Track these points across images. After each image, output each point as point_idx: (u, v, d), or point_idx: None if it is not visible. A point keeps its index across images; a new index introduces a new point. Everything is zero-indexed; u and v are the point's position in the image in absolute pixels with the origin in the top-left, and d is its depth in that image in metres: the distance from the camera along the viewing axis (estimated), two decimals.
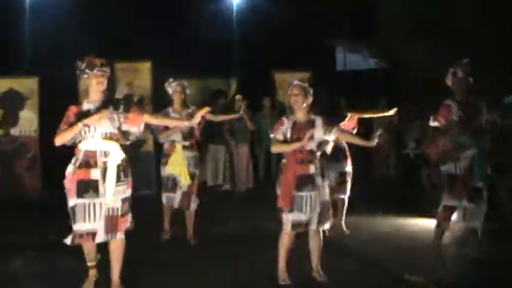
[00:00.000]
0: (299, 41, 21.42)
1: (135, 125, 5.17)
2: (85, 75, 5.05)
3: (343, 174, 7.23)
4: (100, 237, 5.01)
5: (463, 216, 6.03)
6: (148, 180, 10.32)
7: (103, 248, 5.25)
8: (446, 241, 6.28)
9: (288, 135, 5.41)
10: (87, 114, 4.99)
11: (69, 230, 5.08)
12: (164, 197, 7.11)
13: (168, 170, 7.01)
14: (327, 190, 5.51)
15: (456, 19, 12.38)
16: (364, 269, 6.08)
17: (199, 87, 12.05)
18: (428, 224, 7.84)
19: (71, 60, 11.11)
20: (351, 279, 5.71)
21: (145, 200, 8.49)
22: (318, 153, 5.45)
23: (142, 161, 10.00)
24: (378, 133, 5.41)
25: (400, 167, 12.18)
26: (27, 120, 10.92)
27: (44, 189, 10.79)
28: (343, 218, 7.50)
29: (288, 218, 5.34)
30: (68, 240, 5.06)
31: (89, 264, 5.27)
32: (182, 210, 7.19)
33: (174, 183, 7.00)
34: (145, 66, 11.20)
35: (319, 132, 5.41)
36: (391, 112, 7.35)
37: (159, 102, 9.60)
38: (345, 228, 7.49)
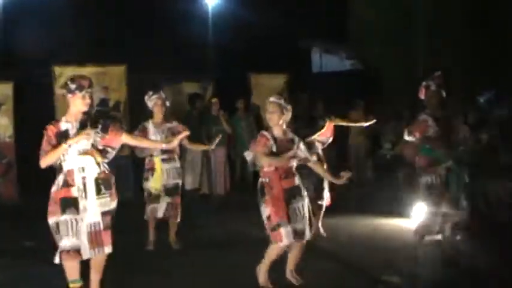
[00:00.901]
0: (275, 43, 21.48)
1: (112, 145, 5.10)
2: (70, 95, 4.99)
3: (320, 181, 7.26)
4: (86, 254, 4.96)
5: (442, 221, 6.07)
6: (127, 183, 10.23)
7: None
8: (424, 243, 6.33)
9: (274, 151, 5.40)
10: (65, 134, 4.95)
11: (49, 241, 5.03)
12: (148, 209, 7.07)
13: (151, 185, 7.02)
14: (307, 198, 5.54)
15: (430, 20, 12.50)
16: (341, 270, 6.12)
17: (176, 90, 12.02)
18: (405, 224, 7.93)
19: (46, 65, 11.05)
20: (329, 280, 5.73)
21: (124, 204, 8.43)
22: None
23: (121, 168, 9.91)
24: (346, 174, 5.48)
25: (376, 168, 12.26)
26: (2, 126, 10.76)
27: (19, 196, 10.68)
28: (320, 221, 7.53)
29: (288, 230, 5.29)
30: (56, 259, 4.98)
31: (71, 285, 5.08)
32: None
33: (157, 195, 7.00)
34: (121, 70, 11.14)
35: (301, 154, 5.46)
36: (368, 123, 7.41)
37: (135, 106, 9.59)
38: (322, 231, 7.52)
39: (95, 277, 5.10)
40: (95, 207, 4.95)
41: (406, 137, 6.16)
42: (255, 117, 11.82)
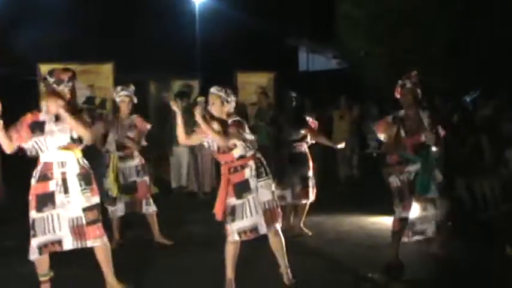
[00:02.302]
0: (262, 41, 21.50)
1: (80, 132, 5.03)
2: (46, 88, 5.02)
3: (305, 179, 7.28)
4: (68, 245, 4.99)
5: (420, 222, 6.06)
6: None
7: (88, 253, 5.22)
8: (406, 241, 6.35)
9: (215, 148, 5.39)
10: (41, 125, 4.96)
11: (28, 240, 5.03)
12: (109, 210, 7.04)
13: (107, 183, 6.96)
14: (267, 190, 5.32)
15: (417, 20, 12.56)
16: (327, 268, 6.13)
17: (162, 88, 11.99)
18: (391, 222, 7.96)
19: (31, 61, 10.97)
20: (314, 278, 5.75)
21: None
22: (251, 153, 5.35)
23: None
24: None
25: (362, 166, 12.29)
26: None
27: (1, 194, 10.58)
28: (303, 219, 7.54)
29: (233, 228, 5.27)
30: (31, 256, 5.00)
31: (41, 279, 5.16)
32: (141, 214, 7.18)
33: (113, 197, 6.97)
34: (107, 68, 11.09)
35: (249, 137, 5.35)
36: (340, 146, 7.43)
37: None
38: (305, 230, 7.53)
39: (106, 271, 5.19)
40: (76, 203, 4.95)
41: (379, 137, 6.18)
42: (241, 115, 11.79)
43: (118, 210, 7.00)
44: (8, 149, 4.96)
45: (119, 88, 7.13)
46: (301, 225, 7.54)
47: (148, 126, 7.12)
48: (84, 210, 5.00)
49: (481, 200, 8.46)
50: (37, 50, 15.05)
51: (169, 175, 10.96)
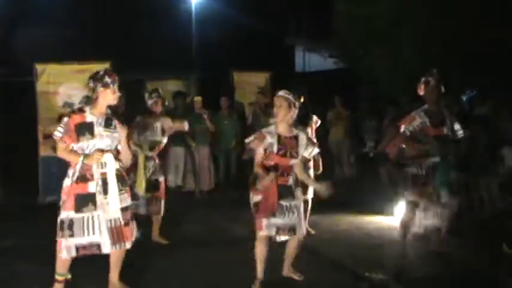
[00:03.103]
0: (258, 41, 21.50)
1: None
2: (102, 88, 4.98)
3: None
4: (107, 248, 5.02)
5: (424, 216, 6.10)
6: None
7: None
8: (408, 238, 6.37)
9: (275, 149, 5.34)
10: (90, 126, 4.93)
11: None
12: None
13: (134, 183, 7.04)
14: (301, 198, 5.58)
15: (414, 20, 12.55)
16: (324, 268, 6.16)
17: (159, 88, 11.97)
18: (388, 221, 7.98)
19: (28, 61, 10.92)
20: (311, 277, 5.75)
21: None
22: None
23: None
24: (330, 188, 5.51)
25: (359, 165, 12.31)
26: None
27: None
28: (307, 218, 7.54)
29: (271, 222, 5.34)
30: (65, 255, 4.96)
31: (57, 277, 5.12)
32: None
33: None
34: (104, 67, 11.02)
35: (302, 150, 5.43)
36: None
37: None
38: (310, 229, 7.54)
39: (114, 272, 5.21)
40: (116, 204, 4.96)
41: (402, 129, 6.20)
42: (238, 115, 11.80)
43: (140, 206, 7.01)
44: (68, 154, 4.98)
45: (150, 90, 7.43)
46: (306, 223, 7.53)
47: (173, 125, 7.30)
48: (122, 210, 5.03)
49: (478, 198, 8.48)
50: (33, 50, 15.03)
51: (166, 174, 10.95)
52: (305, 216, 7.47)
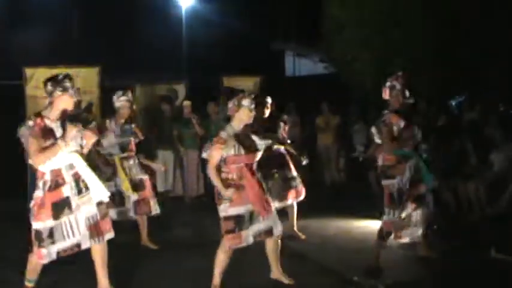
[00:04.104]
0: (247, 45, 21.52)
1: (90, 140, 5.12)
2: (59, 93, 4.90)
3: (287, 180, 7.20)
4: (86, 244, 5.00)
5: (409, 223, 6.05)
6: None
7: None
8: (393, 243, 6.37)
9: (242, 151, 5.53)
10: (52, 133, 4.88)
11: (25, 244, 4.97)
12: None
13: (118, 185, 7.11)
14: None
15: (402, 24, 12.59)
16: (312, 272, 6.15)
17: (148, 92, 11.96)
18: (376, 226, 7.98)
19: (16, 64, 10.87)
20: (300, 282, 5.73)
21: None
22: None
23: None
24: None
25: (349, 170, 12.32)
26: None
27: None
28: (295, 223, 7.53)
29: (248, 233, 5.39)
30: (45, 260, 4.92)
31: (27, 284, 5.12)
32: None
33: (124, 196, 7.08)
34: (93, 72, 11.01)
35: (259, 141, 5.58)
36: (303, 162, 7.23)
37: (107, 108, 9.52)
38: (299, 233, 7.53)
39: (101, 272, 5.14)
40: (90, 201, 4.97)
41: (376, 140, 6.10)
42: (227, 120, 11.76)
43: (129, 210, 7.07)
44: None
45: (119, 93, 7.19)
46: (294, 228, 7.53)
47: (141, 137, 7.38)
48: (97, 204, 5.03)
49: (466, 202, 8.51)
50: (22, 54, 15.00)
51: (155, 179, 10.93)
52: (292, 221, 7.50)
